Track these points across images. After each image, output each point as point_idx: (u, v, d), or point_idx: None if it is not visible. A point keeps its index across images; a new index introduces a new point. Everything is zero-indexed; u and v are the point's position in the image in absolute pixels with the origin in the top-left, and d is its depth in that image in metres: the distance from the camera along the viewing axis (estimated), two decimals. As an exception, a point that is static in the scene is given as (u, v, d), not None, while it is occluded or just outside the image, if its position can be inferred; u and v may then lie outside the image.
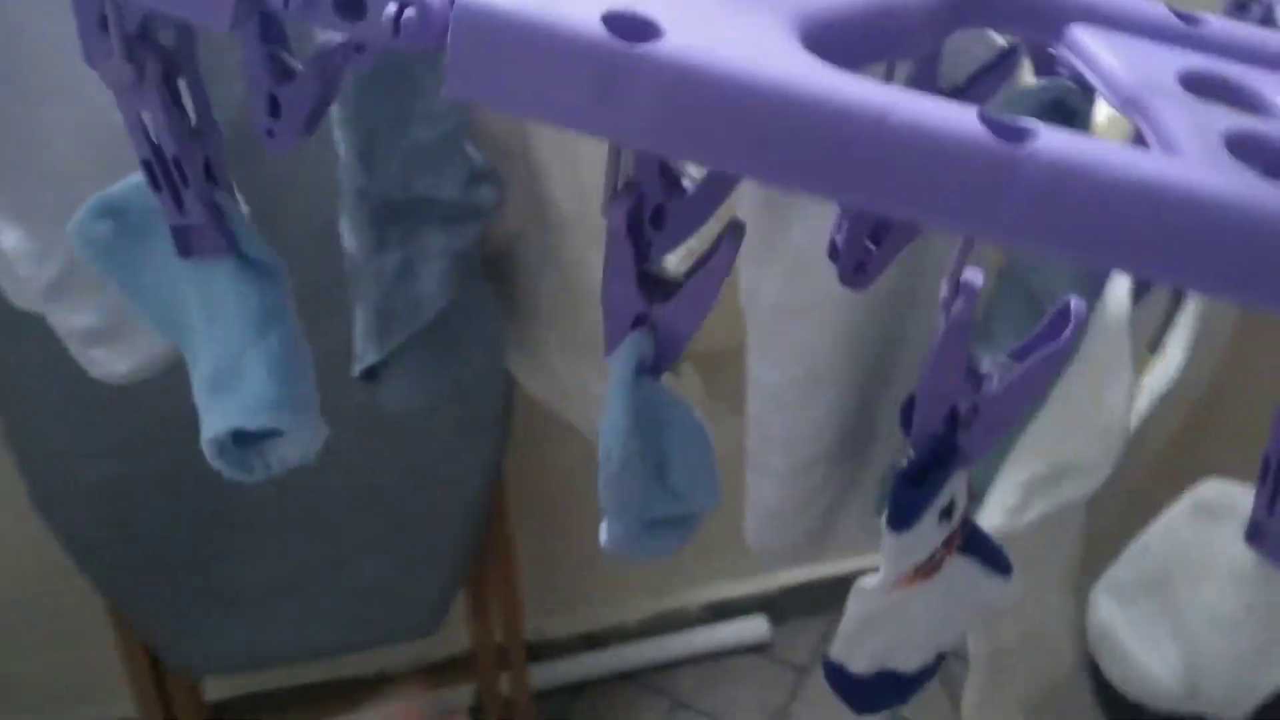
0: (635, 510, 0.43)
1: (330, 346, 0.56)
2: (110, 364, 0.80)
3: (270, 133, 0.43)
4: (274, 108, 0.42)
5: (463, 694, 1.62)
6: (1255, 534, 0.44)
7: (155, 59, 0.38)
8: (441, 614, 1.35)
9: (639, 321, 0.41)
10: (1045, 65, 0.59)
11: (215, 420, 0.42)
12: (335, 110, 0.66)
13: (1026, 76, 0.60)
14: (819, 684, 1.72)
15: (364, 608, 1.31)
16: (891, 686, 0.49)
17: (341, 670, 1.55)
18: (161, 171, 0.40)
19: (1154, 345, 0.75)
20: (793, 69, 0.30)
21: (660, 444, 0.42)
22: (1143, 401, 0.73)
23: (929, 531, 0.41)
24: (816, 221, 0.69)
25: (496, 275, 0.80)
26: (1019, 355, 0.39)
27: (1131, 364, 0.54)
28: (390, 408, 0.78)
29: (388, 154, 0.66)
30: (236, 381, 0.42)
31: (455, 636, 1.50)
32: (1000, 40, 0.56)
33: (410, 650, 1.53)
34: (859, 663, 0.48)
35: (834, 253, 0.46)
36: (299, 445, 0.44)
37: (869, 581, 0.44)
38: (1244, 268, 0.30)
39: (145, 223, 0.42)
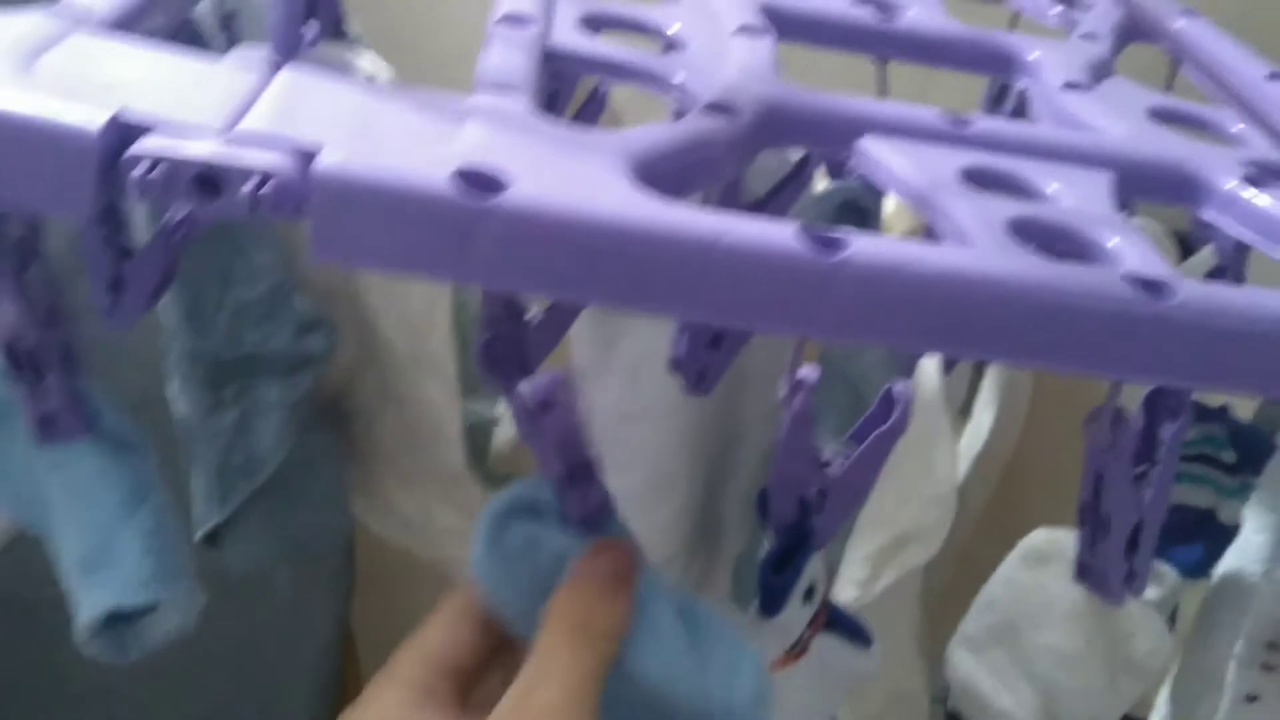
0: None
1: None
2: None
3: (112, 311, 0.44)
4: (117, 287, 0.43)
5: None
6: (1083, 573, 0.49)
7: (6, 253, 0.38)
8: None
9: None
10: (836, 169, 0.64)
11: (91, 603, 0.41)
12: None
13: (819, 182, 0.65)
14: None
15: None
16: None
17: None
18: (18, 362, 0.40)
19: (963, 411, 0.81)
20: (630, 205, 0.33)
21: None
22: (961, 465, 0.79)
23: (795, 614, 0.44)
24: (646, 330, 0.72)
25: (332, 421, 0.80)
26: (856, 438, 0.42)
27: (950, 433, 0.59)
28: (236, 569, 0.76)
29: (214, 314, 0.66)
30: (110, 561, 0.41)
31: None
32: (793, 155, 0.61)
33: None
34: None
35: (676, 365, 0.49)
36: (174, 617, 0.44)
37: None
38: (1035, 338, 0.34)
39: None
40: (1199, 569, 0.54)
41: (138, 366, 0.71)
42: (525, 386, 0.37)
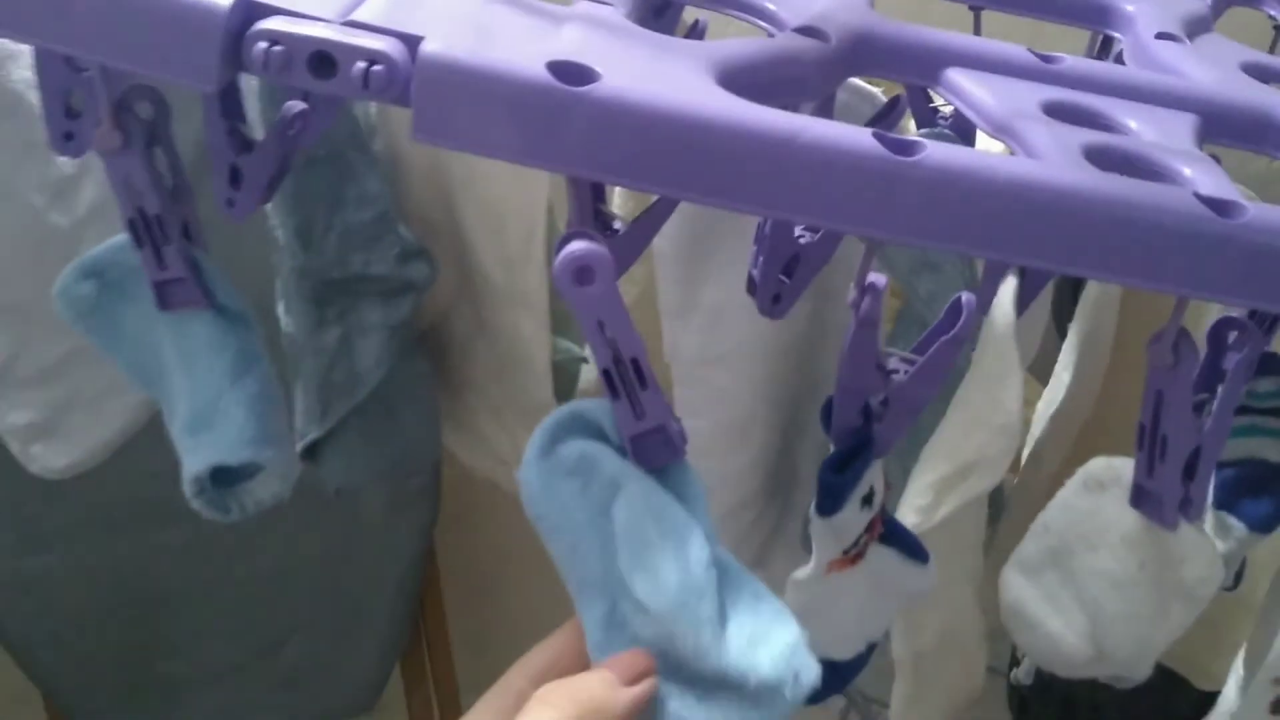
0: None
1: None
2: (48, 459, 0.81)
3: (230, 202, 0.47)
4: (235, 178, 0.46)
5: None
6: (1139, 498, 0.49)
7: (138, 125, 0.41)
8: (376, 693, 1.36)
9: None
10: (925, 118, 0.65)
11: (196, 459, 0.45)
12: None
13: (909, 127, 0.66)
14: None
15: (298, 690, 1.31)
16: (830, 675, 0.53)
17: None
18: (144, 229, 0.43)
19: (1044, 376, 0.81)
20: (711, 101, 0.35)
21: None
22: (1038, 426, 0.79)
23: (853, 517, 0.46)
24: (732, 274, 0.73)
25: (429, 350, 0.83)
26: (920, 349, 0.44)
27: (1019, 367, 0.59)
28: (332, 484, 0.80)
29: (324, 235, 0.70)
30: (216, 422, 0.44)
31: (393, 717, 1.49)
32: (882, 98, 0.62)
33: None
34: None
35: (751, 287, 0.51)
36: (273, 482, 0.47)
37: (802, 573, 0.48)
38: (1100, 249, 0.35)
39: (124, 281, 0.45)
40: (1269, 523, 0.54)
41: (253, 285, 0.76)
42: (564, 252, 0.36)
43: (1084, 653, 0.51)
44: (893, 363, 0.44)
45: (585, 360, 0.93)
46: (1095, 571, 0.50)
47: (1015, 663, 1.69)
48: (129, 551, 1.15)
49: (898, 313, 0.75)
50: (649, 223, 0.47)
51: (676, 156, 0.34)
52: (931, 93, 0.67)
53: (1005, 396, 0.59)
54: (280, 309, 0.75)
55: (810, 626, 0.50)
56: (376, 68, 0.34)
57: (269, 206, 0.71)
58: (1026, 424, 0.80)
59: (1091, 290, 0.71)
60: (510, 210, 0.72)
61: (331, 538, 1.17)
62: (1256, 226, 0.35)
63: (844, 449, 0.45)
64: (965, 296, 0.43)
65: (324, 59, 0.34)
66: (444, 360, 0.84)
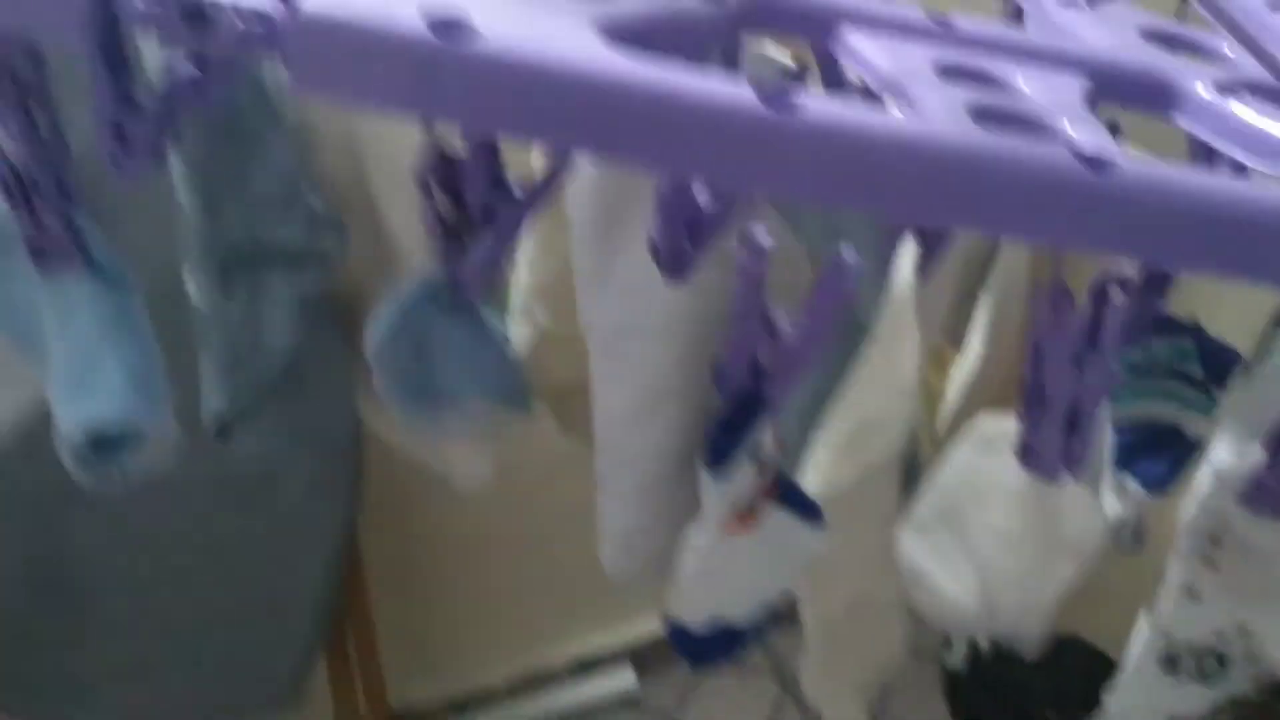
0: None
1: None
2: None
3: (116, 162, 0.46)
4: (120, 137, 0.45)
5: (330, 770, 1.59)
6: (1024, 453, 0.50)
7: (9, 81, 0.40)
8: (300, 685, 1.34)
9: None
10: (833, 84, 0.65)
11: (72, 423, 0.44)
12: (178, 163, 0.68)
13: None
14: (689, 730, 1.75)
15: (218, 683, 1.29)
16: (726, 637, 0.53)
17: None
18: (17, 188, 0.42)
19: (960, 345, 0.82)
20: (591, 55, 0.35)
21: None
22: (953, 395, 0.80)
23: (743, 476, 0.46)
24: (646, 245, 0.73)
25: (343, 320, 0.82)
26: (805, 309, 0.44)
27: (917, 331, 0.60)
28: (245, 462, 0.79)
29: (230, 203, 0.69)
30: (93, 385, 0.44)
31: (317, 711, 1.47)
32: (789, 64, 0.62)
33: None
34: (695, 617, 0.51)
35: (653, 251, 0.51)
36: (154, 449, 0.46)
37: (697, 536, 0.49)
38: (975, 202, 0.36)
39: (3, 246, 0.44)
40: (1163, 483, 0.56)
41: (160, 261, 0.74)
42: None
43: (975, 611, 0.52)
44: (780, 320, 0.44)
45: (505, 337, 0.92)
46: (984, 529, 0.51)
47: (947, 647, 1.72)
48: (38, 539, 1.12)
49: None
50: (548, 187, 0.47)
51: (549, 108, 0.34)
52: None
53: (903, 360, 0.59)
54: (187, 280, 0.74)
55: (707, 589, 0.51)
56: (252, 25, 0.33)
57: (175, 176, 0.70)
58: (942, 394, 0.81)
59: (1001, 257, 0.72)
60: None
61: (251, 526, 1.15)
62: (1127, 181, 0.36)
63: (733, 407, 0.45)
64: (845, 253, 0.43)
65: (197, 12, 0.33)
66: (358, 331, 0.83)
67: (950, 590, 0.53)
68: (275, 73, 0.73)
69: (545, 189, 0.47)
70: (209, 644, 1.24)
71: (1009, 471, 0.51)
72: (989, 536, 0.51)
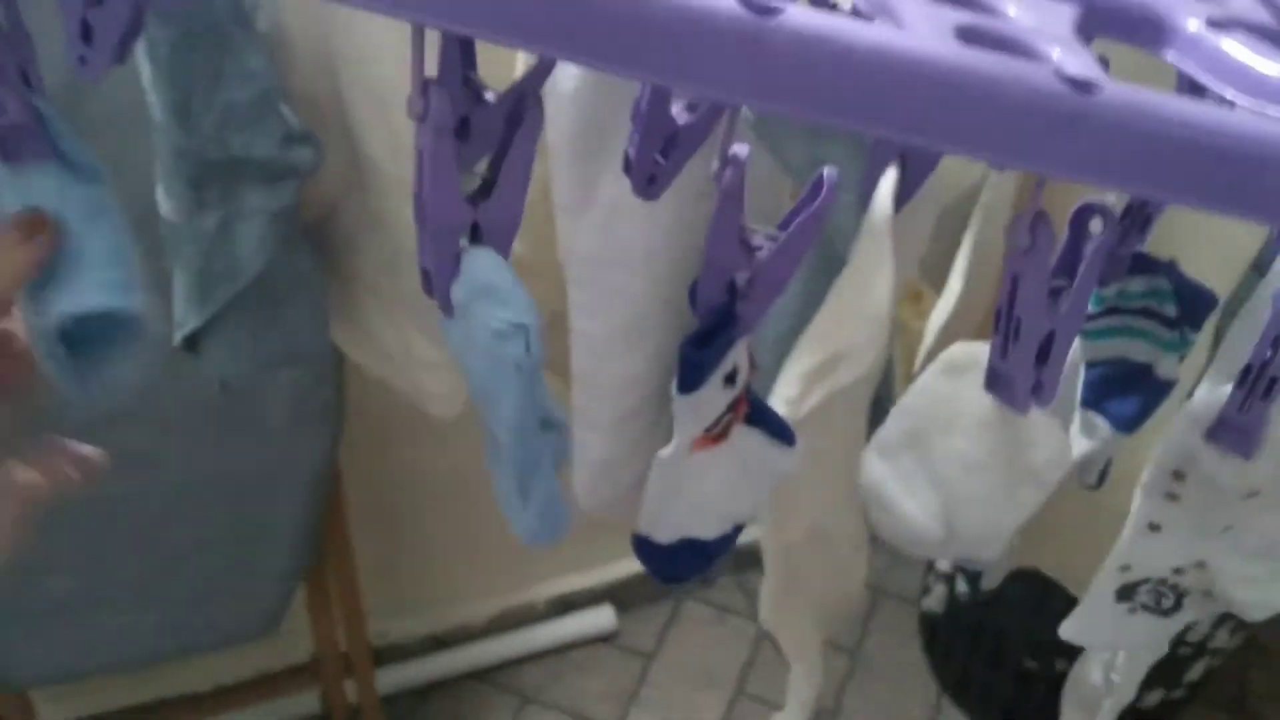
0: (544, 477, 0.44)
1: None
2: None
3: (82, 59, 0.44)
4: (86, 33, 0.43)
5: (307, 701, 1.60)
6: (993, 381, 0.50)
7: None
8: (278, 616, 1.34)
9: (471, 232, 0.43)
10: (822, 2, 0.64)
11: (48, 315, 0.42)
12: (149, 71, 0.67)
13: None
14: (666, 669, 1.77)
15: (196, 611, 1.29)
16: (694, 554, 0.53)
17: (180, 685, 1.51)
18: None
19: (939, 285, 0.82)
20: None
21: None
22: (930, 334, 0.79)
23: (715, 395, 0.45)
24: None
25: (317, 242, 0.81)
26: (785, 226, 0.43)
27: (891, 258, 0.59)
28: (214, 375, 0.78)
29: (203, 113, 0.67)
30: (66, 275, 0.42)
31: (297, 645, 1.48)
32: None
33: (251, 660, 1.51)
34: (663, 532, 0.51)
35: (627, 166, 0.50)
36: (135, 353, 0.45)
37: (666, 451, 0.48)
38: (957, 121, 0.35)
39: None
40: (1133, 423, 0.55)
41: (133, 183, 0.73)
42: None
43: (935, 533, 0.52)
44: (757, 239, 0.43)
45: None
46: (949, 454, 0.51)
47: (925, 591, 1.73)
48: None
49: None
50: (530, 80, 0.45)
51: (536, 13, 0.33)
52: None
53: (877, 287, 0.58)
54: (159, 192, 0.72)
55: (675, 505, 0.50)
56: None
57: (146, 83, 0.68)
58: (920, 332, 0.80)
59: (984, 197, 0.71)
60: (399, 94, 0.70)
61: (232, 454, 1.15)
62: (1114, 105, 0.35)
63: (707, 326, 0.44)
64: (827, 171, 0.42)
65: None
66: (332, 253, 0.82)
67: (911, 512, 0.53)
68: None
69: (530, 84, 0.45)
70: (188, 573, 1.24)
71: (976, 398, 0.50)
72: (953, 461, 0.51)
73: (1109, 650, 0.68)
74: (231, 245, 0.71)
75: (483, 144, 0.46)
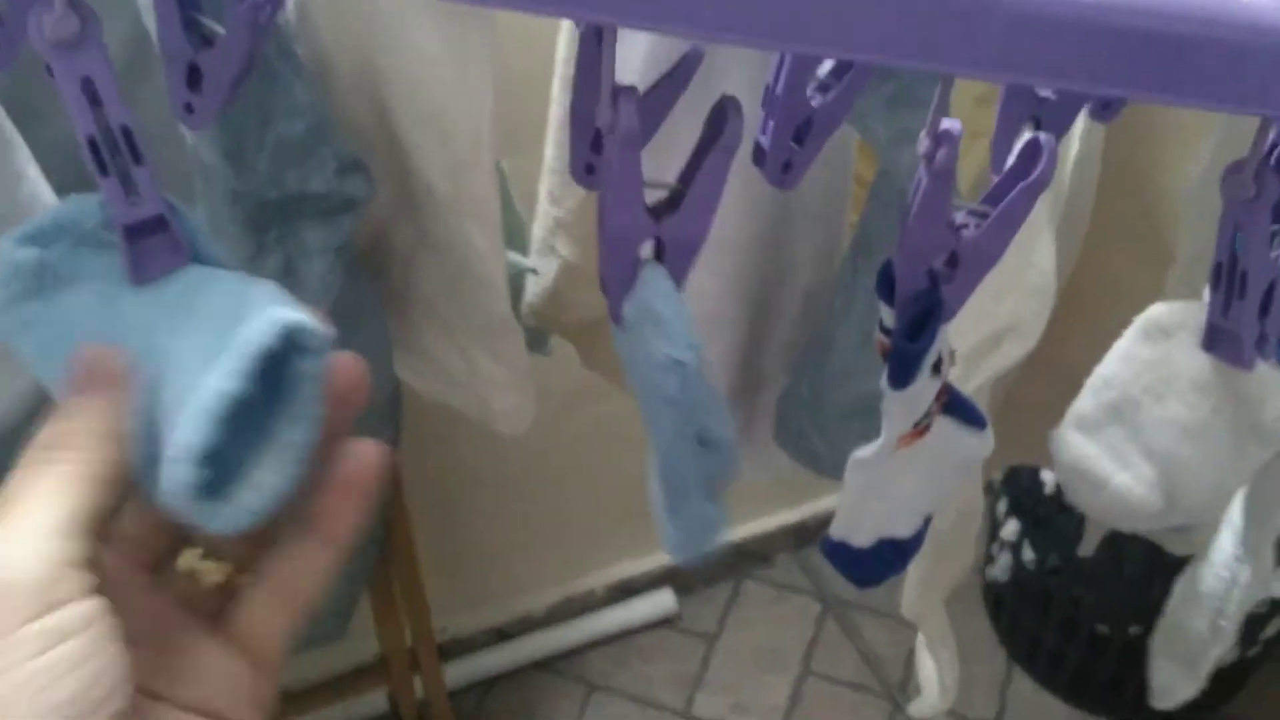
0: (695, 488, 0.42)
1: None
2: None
3: (189, 107, 0.41)
4: (194, 79, 0.40)
5: (375, 700, 1.60)
6: (1213, 339, 0.48)
7: (91, 10, 0.33)
8: (346, 620, 1.34)
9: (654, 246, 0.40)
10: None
11: (261, 333, 0.33)
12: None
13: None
14: (728, 650, 1.76)
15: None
16: (892, 554, 0.51)
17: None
18: (109, 150, 0.35)
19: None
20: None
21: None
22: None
23: (925, 387, 0.43)
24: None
25: (369, 269, 0.80)
26: (992, 199, 0.41)
27: (1049, 223, 0.56)
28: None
29: (255, 153, 0.65)
30: (252, 317, 0.34)
31: (362, 645, 1.48)
32: None
33: (319, 663, 1.51)
34: (861, 535, 0.49)
35: (759, 156, 0.47)
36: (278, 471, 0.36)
37: (867, 451, 0.46)
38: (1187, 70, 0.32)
39: (71, 255, 0.36)
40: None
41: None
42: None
43: (1153, 504, 0.50)
44: (960, 217, 0.41)
45: (534, 271, 0.89)
46: (1164, 421, 0.49)
47: (989, 561, 1.71)
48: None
49: (870, 190, 0.72)
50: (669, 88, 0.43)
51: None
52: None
53: (1037, 255, 0.56)
54: (214, 235, 0.71)
55: (875, 506, 0.49)
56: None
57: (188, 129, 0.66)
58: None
59: (1072, 149, 0.68)
60: (454, 114, 0.68)
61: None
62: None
63: (913, 315, 0.42)
64: (1043, 136, 0.40)
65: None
66: (385, 280, 0.80)
67: (1128, 486, 0.50)
68: (285, 9, 0.69)
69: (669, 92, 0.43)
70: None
71: (1191, 358, 0.48)
72: (1170, 428, 0.48)
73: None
74: (296, 286, 0.69)
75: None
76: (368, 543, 1.26)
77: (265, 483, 0.35)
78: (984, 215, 0.41)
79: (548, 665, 1.73)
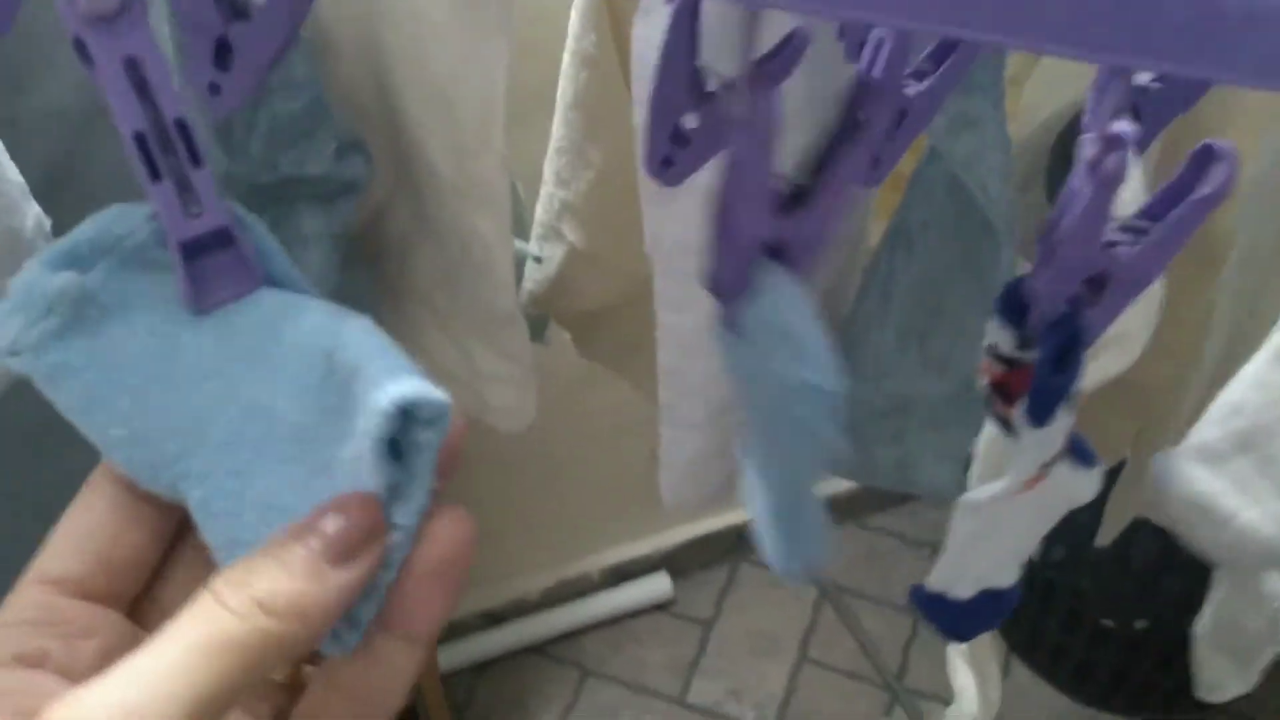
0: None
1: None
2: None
3: (215, 87, 0.35)
4: (222, 56, 0.34)
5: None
6: None
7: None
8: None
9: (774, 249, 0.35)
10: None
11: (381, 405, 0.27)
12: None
13: None
14: (724, 634, 1.73)
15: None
16: (992, 606, 0.47)
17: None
18: (161, 150, 0.29)
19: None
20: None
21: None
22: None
23: (1062, 424, 0.39)
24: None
25: (363, 258, 0.75)
26: (1152, 213, 0.36)
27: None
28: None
29: (248, 133, 0.60)
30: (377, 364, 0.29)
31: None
32: None
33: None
34: (963, 586, 0.45)
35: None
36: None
37: (980, 495, 0.42)
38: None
39: (112, 289, 0.30)
40: None
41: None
42: None
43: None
44: (1112, 233, 0.36)
45: (538, 259, 0.84)
46: None
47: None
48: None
49: (914, 179, 0.68)
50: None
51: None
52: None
53: None
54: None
55: (980, 554, 0.44)
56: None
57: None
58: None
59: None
60: (463, 91, 0.63)
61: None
62: None
63: (1059, 342, 0.37)
64: (1222, 144, 0.35)
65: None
66: (378, 268, 0.76)
67: (1257, 523, 0.46)
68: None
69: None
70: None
71: None
72: None
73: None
74: None
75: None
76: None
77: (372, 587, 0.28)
78: (1140, 231, 0.36)
79: (541, 649, 1.70)
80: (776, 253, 0.35)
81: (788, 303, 0.34)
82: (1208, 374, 0.72)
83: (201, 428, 0.29)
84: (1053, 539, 1.53)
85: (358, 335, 0.30)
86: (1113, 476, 0.92)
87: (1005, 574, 0.47)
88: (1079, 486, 0.45)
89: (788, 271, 0.35)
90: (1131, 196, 0.56)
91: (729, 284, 0.35)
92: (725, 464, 0.83)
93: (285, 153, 0.62)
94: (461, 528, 0.31)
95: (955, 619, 0.48)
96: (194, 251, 0.30)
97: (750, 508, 0.40)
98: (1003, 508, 0.42)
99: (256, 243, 0.31)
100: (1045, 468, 0.42)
